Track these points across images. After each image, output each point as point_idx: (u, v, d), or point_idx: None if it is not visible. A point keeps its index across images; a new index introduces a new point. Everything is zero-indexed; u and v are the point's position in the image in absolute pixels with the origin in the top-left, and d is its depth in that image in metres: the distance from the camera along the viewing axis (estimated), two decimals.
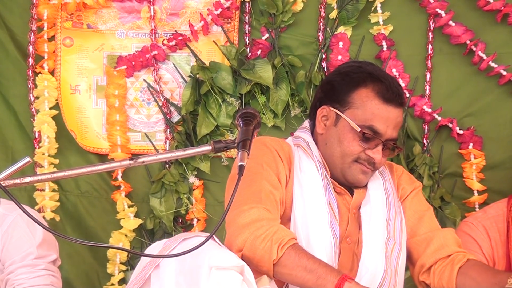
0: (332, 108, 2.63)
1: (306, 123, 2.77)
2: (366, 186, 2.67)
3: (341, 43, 3.59)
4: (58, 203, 3.68)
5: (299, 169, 2.59)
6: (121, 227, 3.66)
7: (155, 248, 2.39)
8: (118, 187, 3.69)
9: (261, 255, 2.36)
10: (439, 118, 3.54)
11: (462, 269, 2.52)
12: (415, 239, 2.65)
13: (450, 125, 3.54)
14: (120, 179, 3.68)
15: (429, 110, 3.55)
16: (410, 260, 2.67)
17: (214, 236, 2.21)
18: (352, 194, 2.64)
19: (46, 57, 3.71)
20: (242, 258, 2.34)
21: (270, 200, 2.48)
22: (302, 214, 2.52)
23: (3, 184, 1.82)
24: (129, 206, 3.67)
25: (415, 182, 2.80)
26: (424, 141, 3.57)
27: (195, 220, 3.65)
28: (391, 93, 2.60)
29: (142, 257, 2.38)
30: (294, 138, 2.72)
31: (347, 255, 2.56)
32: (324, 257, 2.44)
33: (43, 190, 3.69)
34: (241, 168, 2.04)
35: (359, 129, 2.56)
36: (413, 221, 2.67)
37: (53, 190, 3.69)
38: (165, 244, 2.34)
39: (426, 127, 3.57)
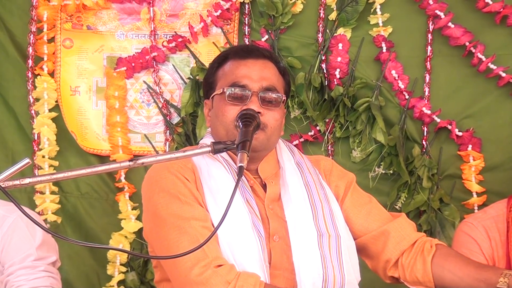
0: (209, 99, 2.54)
1: (209, 130, 2.61)
2: (278, 176, 2.50)
3: (340, 45, 3.59)
4: (59, 206, 3.69)
5: (208, 176, 2.40)
6: (121, 228, 3.67)
7: None
8: (120, 188, 3.69)
9: None
10: (438, 120, 3.55)
11: (435, 260, 2.45)
12: (370, 234, 2.54)
13: (449, 127, 3.54)
14: (123, 180, 3.68)
15: (428, 112, 3.55)
16: (368, 255, 2.57)
17: None
18: (264, 188, 2.48)
19: (45, 58, 3.72)
20: None
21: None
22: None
23: (3, 185, 1.82)
24: (133, 208, 3.67)
25: (347, 174, 2.63)
26: (423, 142, 3.57)
27: None
28: (246, 50, 2.52)
29: None
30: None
31: (279, 253, 2.40)
32: (254, 261, 2.30)
33: (43, 192, 3.69)
34: (241, 169, 2.04)
35: (222, 90, 2.44)
36: (362, 217, 2.56)
37: (53, 193, 3.70)
38: None
39: (425, 129, 3.57)
